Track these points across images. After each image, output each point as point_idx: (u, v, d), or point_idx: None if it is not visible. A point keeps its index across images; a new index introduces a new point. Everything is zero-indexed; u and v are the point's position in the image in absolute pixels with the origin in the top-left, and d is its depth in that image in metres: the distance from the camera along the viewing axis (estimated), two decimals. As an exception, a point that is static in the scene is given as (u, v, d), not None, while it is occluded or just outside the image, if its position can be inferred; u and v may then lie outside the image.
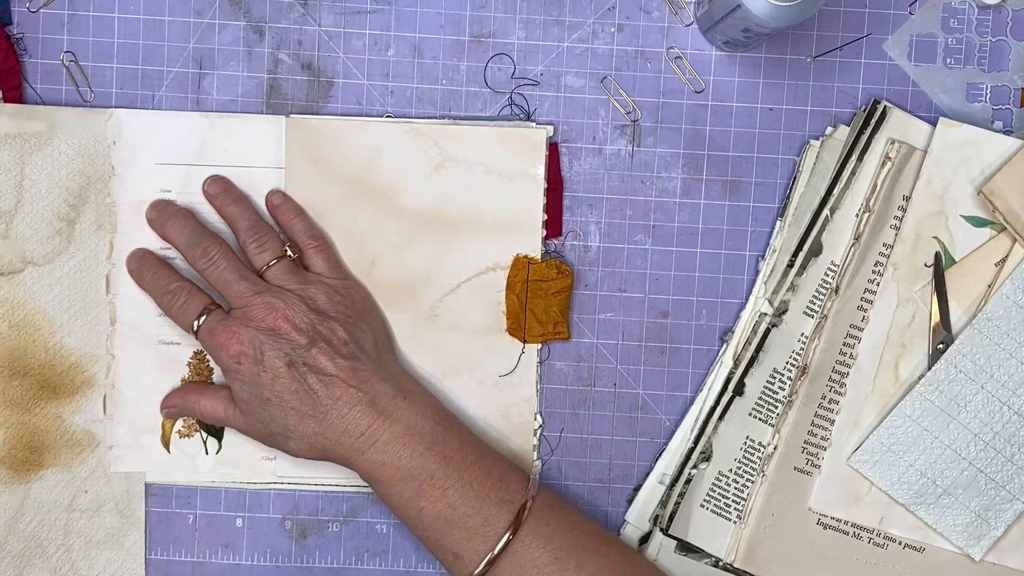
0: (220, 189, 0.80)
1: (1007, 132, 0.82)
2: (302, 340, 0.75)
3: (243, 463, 0.82)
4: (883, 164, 0.81)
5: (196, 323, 0.77)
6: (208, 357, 0.82)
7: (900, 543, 0.81)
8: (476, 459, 0.76)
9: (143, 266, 0.80)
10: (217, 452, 0.82)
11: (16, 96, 0.81)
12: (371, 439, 0.74)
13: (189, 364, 0.82)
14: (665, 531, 0.81)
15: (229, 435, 0.82)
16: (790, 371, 0.81)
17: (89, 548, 0.82)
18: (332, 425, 0.74)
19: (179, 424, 0.82)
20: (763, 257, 0.83)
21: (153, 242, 0.81)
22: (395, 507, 0.76)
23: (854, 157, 0.81)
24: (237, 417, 0.78)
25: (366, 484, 0.77)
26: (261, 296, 0.76)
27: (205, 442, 0.82)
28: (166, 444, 0.82)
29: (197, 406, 0.80)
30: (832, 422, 0.81)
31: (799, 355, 0.81)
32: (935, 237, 0.80)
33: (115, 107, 0.81)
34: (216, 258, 0.77)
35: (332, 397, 0.74)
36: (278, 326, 0.75)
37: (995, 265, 0.80)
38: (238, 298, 0.77)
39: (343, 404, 0.74)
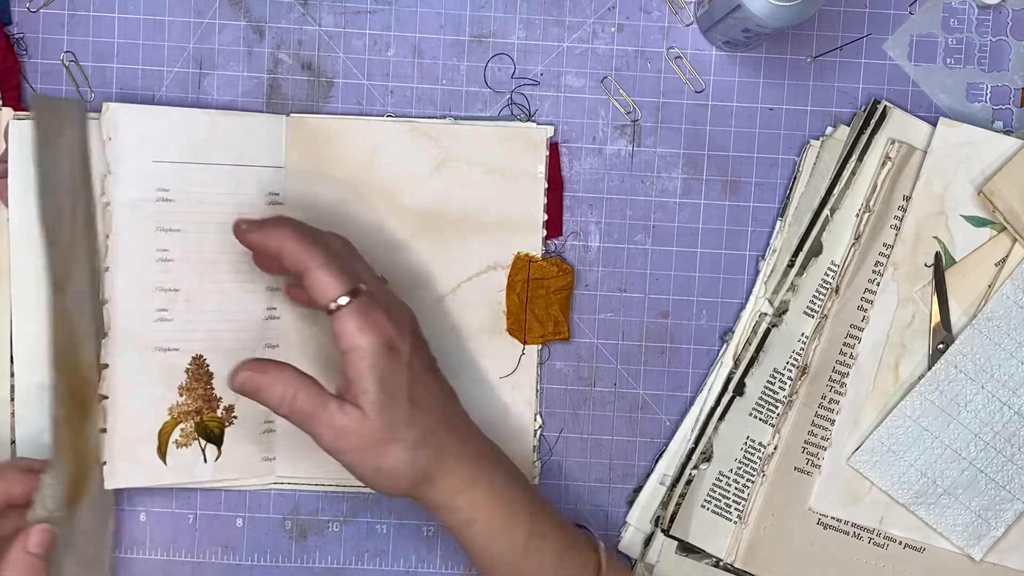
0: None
1: (1007, 132, 0.82)
2: (430, 353, 0.73)
3: (242, 467, 0.81)
4: (883, 164, 0.81)
5: (343, 300, 0.67)
6: (209, 361, 0.79)
7: (900, 543, 0.81)
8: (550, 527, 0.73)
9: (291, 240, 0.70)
10: (217, 459, 0.80)
11: (16, 96, 0.80)
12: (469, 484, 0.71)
13: (187, 370, 0.79)
14: (666, 532, 0.81)
15: (230, 439, 0.80)
16: (790, 371, 0.81)
17: None
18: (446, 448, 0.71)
19: (176, 434, 0.79)
20: (763, 257, 0.83)
21: (144, 246, 0.78)
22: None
23: (854, 157, 0.81)
24: (351, 415, 0.67)
25: (365, 484, 0.75)
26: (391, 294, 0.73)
27: (204, 449, 0.80)
28: (162, 456, 0.79)
29: (288, 394, 0.68)
30: (832, 422, 0.81)
31: (799, 355, 0.81)
32: (935, 237, 0.80)
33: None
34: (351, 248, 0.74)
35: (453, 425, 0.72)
36: (415, 328, 0.72)
37: (995, 265, 0.80)
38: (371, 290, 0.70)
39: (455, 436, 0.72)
